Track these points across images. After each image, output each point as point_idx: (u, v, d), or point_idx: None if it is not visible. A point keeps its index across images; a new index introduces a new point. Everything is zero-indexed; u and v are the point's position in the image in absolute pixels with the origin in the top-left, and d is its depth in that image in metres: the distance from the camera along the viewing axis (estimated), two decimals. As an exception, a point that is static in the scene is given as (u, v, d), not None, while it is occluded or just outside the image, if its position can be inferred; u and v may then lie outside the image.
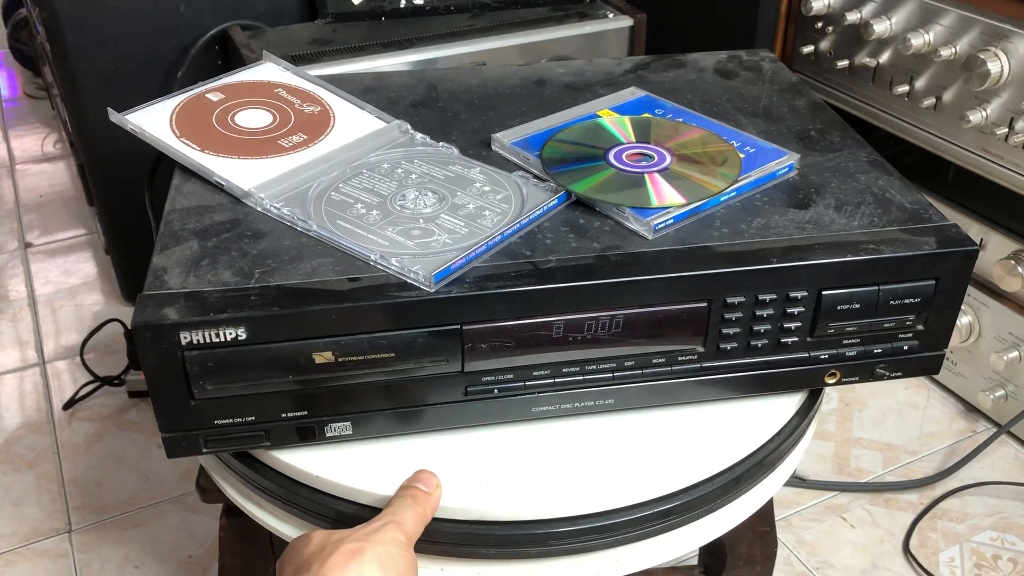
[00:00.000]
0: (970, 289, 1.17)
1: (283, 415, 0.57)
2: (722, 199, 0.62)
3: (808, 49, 1.30)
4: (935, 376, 1.26)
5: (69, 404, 1.24)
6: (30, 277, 1.51)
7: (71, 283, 1.50)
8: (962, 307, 1.18)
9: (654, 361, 0.60)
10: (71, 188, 1.77)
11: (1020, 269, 1.09)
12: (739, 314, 0.59)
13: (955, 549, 1.05)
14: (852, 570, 1.03)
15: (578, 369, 0.59)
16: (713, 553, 0.79)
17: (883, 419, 1.23)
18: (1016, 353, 1.14)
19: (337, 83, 0.76)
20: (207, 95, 0.71)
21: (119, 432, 1.20)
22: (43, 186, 1.79)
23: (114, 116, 0.67)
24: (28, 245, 1.60)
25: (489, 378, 0.58)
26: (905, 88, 1.17)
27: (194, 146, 0.65)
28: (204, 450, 0.57)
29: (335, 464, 0.58)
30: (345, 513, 0.58)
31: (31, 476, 1.14)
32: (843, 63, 1.25)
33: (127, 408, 1.24)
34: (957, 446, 1.18)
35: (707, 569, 0.82)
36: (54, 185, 1.79)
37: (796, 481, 1.13)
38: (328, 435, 0.58)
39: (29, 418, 1.23)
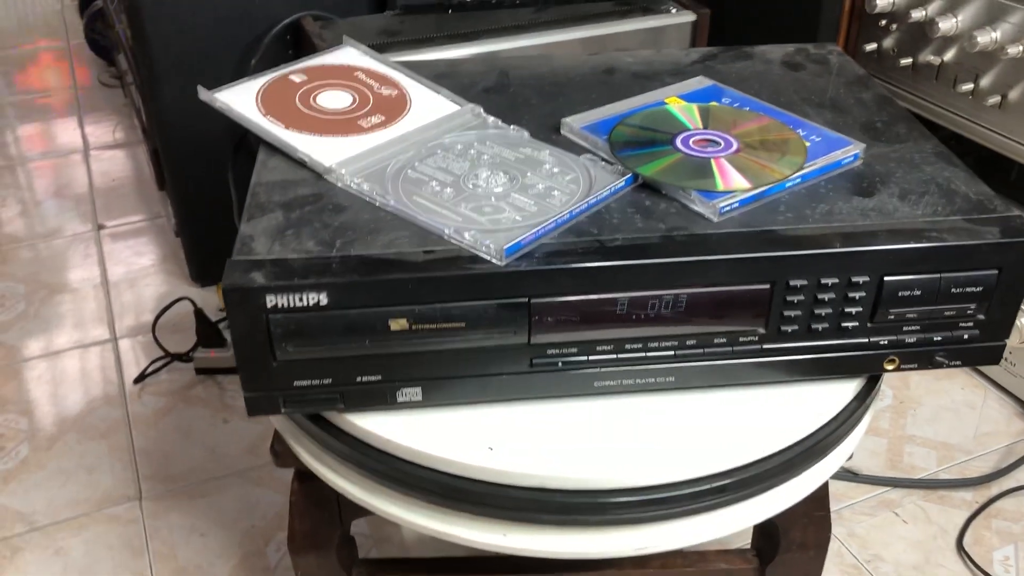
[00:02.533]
0: (1032, 290, 1.16)
1: (358, 379, 0.59)
2: (787, 185, 0.64)
3: (871, 47, 1.30)
4: (993, 376, 1.26)
5: (140, 379, 1.29)
6: (103, 257, 1.57)
7: (142, 264, 1.55)
8: (1021, 307, 1.18)
9: (715, 341, 0.62)
10: (141, 173, 1.83)
11: (1084, 270, 1.08)
12: (801, 297, 0.60)
13: (1009, 548, 1.04)
14: (904, 565, 1.03)
15: (640, 346, 0.61)
16: (767, 536, 0.81)
17: (938, 418, 1.22)
18: (1077, 355, 1.13)
19: (412, 69, 0.79)
20: (291, 76, 0.74)
21: (186, 407, 1.25)
22: (115, 171, 1.85)
23: (204, 94, 0.70)
24: (101, 227, 1.66)
25: (554, 351, 0.60)
26: (970, 86, 1.17)
27: (279, 123, 0.69)
28: (283, 409, 0.60)
29: (405, 429, 0.61)
30: (412, 475, 0.61)
31: (104, 445, 1.19)
32: (906, 61, 1.25)
33: (194, 384, 1.29)
34: (1014, 446, 1.18)
35: (760, 553, 0.83)
36: (125, 170, 1.85)
37: (849, 475, 1.13)
38: (399, 400, 0.61)
39: (102, 391, 1.28)
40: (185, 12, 1.21)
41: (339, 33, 1.23)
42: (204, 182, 1.34)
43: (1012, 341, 1.20)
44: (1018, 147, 1.14)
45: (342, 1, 1.29)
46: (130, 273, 1.53)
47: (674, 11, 1.28)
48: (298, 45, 1.29)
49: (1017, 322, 1.17)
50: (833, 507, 1.09)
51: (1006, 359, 1.24)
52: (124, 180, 1.82)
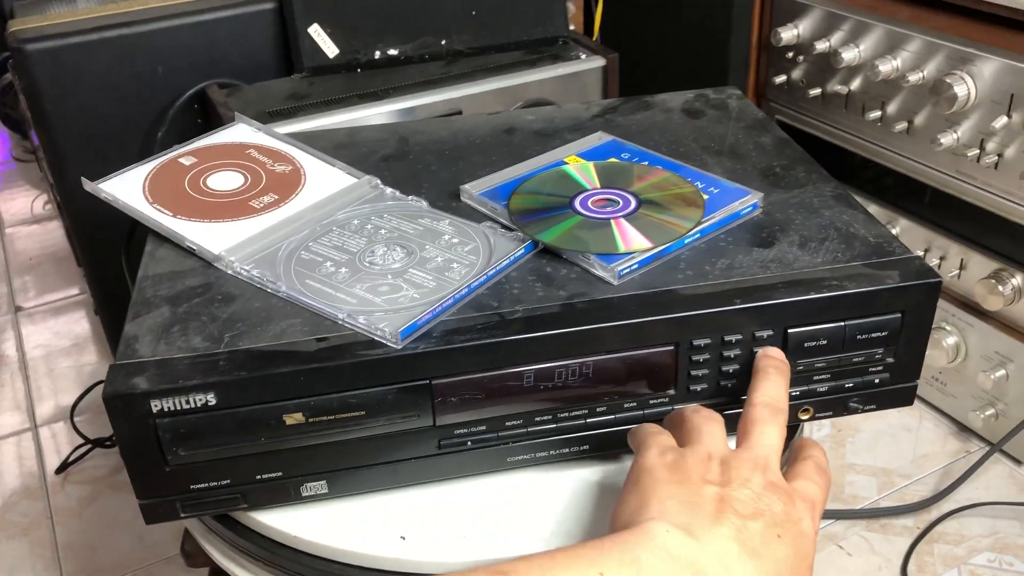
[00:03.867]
0: (955, 309, 1.18)
1: (258, 477, 0.57)
2: (687, 241, 0.63)
3: (781, 79, 1.32)
4: (926, 397, 1.26)
5: (61, 468, 1.24)
6: (21, 341, 1.52)
7: (62, 345, 1.50)
8: (948, 328, 1.19)
9: (626, 406, 0.61)
10: (62, 249, 1.78)
11: (1001, 288, 1.09)
12: (707, 356, 0.59)
13: (953, 572, 1.04)
14: (850, 599, 1.02)
15: (551, 417, 0.60)
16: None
17: (876, 443, 1.23)
18: (1003, 371, 1.14)
19: (310, 139, 0.77)
20: (180, 159, 0.72)
21: (112, 494, 1.20)
22: (33, 248, 1.80)
23: (88, 186, 0.68)
24: (19, 308, 1.61)
25: (462, 431, 0.59)
26: (878, 113, 1.19)
27: (166, 211, 0.66)
28: (181, 515, 0.58)
29: (314, 523, 0.59)
30: (326, 571, 0.58)
31: (25, 543, 1.14)
32: (815, 91, 1.27)
33: (120, 469, 1.24)
34: (951, 467, 1.18)
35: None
36: (45, 247, 1.80)
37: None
38: (304, 495, 0.58)
39: (23, 483, 1.23)
40: (85, 89, 1.19)
41: (246, 100, 1.21)
42: (119, 260, 1.30)
43: (940, 362, 1.21)
44: (928, 171, 1.15)
45: (248, 67, 1.27)
46: (50, 356, 1.48)
47: (583, 56, 1.28)
48: (206, 115, 1.27)
49: (944, 343, 1.18)
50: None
51: (937, 379, 1.25)
52: (43, 258, 1.77)
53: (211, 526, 0.63)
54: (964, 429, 1.23)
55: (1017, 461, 1.18)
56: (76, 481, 1.23)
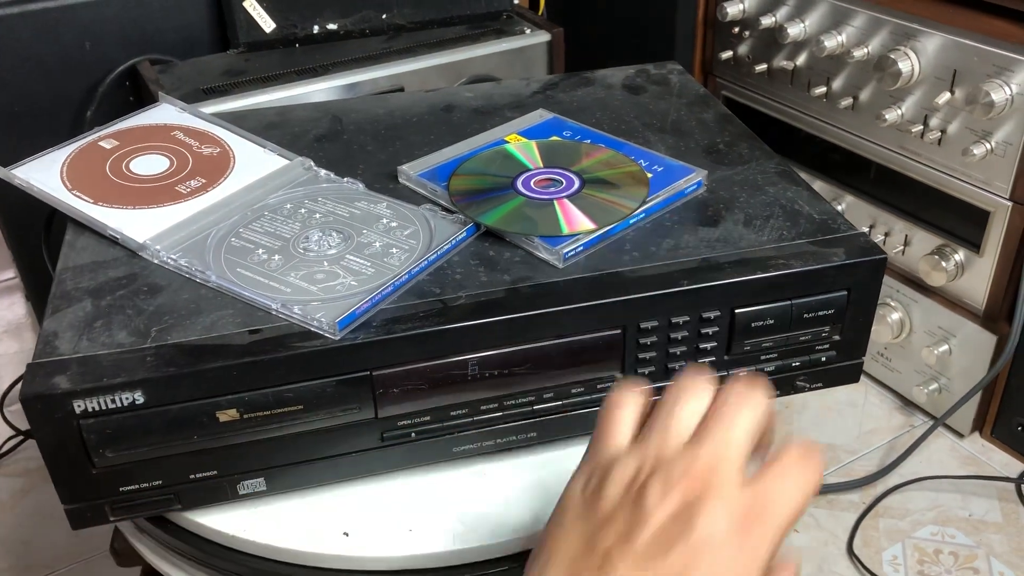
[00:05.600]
0: (899, 285, 1.18)
1: (192, 476, 0.55)
2: (632, 221, 0.62)
3: (727, 54, 1.31)
4: (872, 372, 1.27)
5: (-7, 461, 1.20)
6: (-51, 329, 1.46)
7: (-7, 332, 1.45)
8: (892, 304, 1.20)
9: (573, 391, 0.59)
10: (-9, 233, 1.71)
11: (944, 264, 1.10)
12: (654, 338, 0.58)
13: (898, 547, 1.05)
14: None
15: (496, 405, 0.58)
16: None
17: (823, 419, 1.23)
18: (946, 346, 1.15)
19: (239, 119, 0.74)
20: (100, 143, 0.69)
21: (46, 486, 1.16)
22: (-39, 233, 1.73)
23: (1, 172, 0.64)
24: (-53, 295, 1.55)
25: (405, 422, 0.57)
26: (823, 89, 1.18)
27: (87, 198, 0.63)
28: (111, 518, 0.55)
29: (251, 522, 0.56)
30: (264, 571, 0.56)
31: (-45, 540, 1.10)
32: (761, 67, 1.26)
33: (55, 461, 1.20)
34: (896, 442, 1.19)
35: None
36: (-27, 231, 1.73)
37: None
38: (242, 493, 0.56)
39: (-48, 478, 1.19)
40: (7, 65, 1.13)
41: (179, 76, 1.16)
42: (53, 245, 1.26)
43: (885, 338, 1.22)
44: (872, 147, 1.15)
45: (181, 42, 1.22)
46: (-20, 344, 1.43)
47: (528, 31, 1.25)
48: (138, 92, 1.22)
49: (889, 318, 1.19)
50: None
51: (882, 355, 1.26)
52: (-28, 242, 1.70)
53: (142, 525, 0.60)
54: (908, 404, 1.25)
55: (959, 435, 1.20)
56: (8, 474, 1.18)
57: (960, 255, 1.10)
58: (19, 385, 1.26)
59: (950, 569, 1.02)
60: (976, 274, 1.09)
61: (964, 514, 1.09)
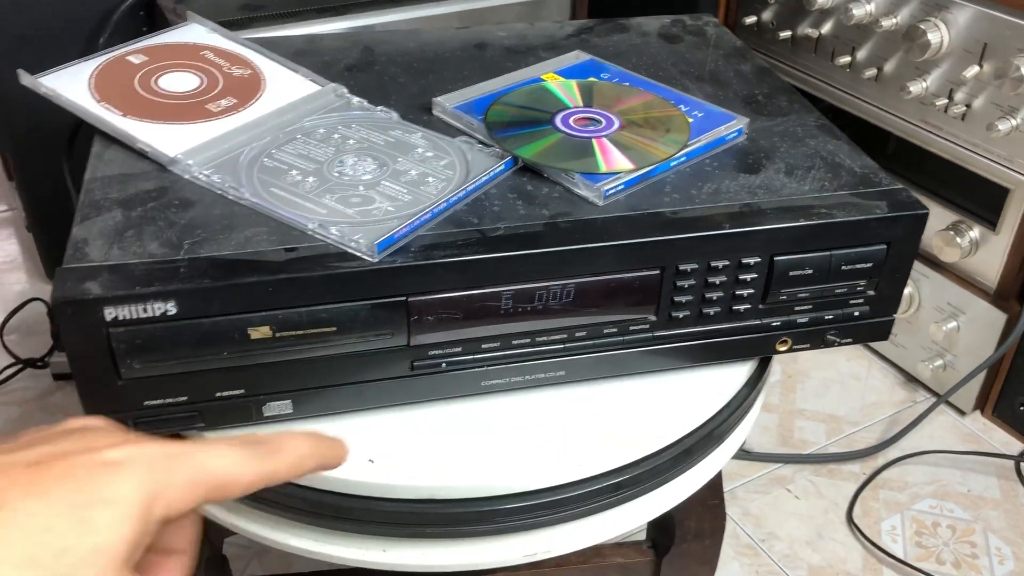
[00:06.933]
0: (909, 259, 1.18)
1: (218, 394, 0.54)
2: (672, 164, 0.61)
3: (751, 20, 1.30)
4: (876, 347, 1.27)
5: (-11, 389, 1.18)
6: (-54, 257, 1.44)
7: (-10, 263, 1.43)
8: (901, 277, 1.19)
9: (606, 331, 0.58)
10: (-11, 164, 1.69)
11: (959, 240, 1.10)
12: (691, 281, 0.57)
13: (896, 518, 1.06)
14: (797, 541, 1.03)
15: (528, 341, 0.57)
16: (661, 528, 0.78)
17: (826, 390, 1.24)
18: (954, 323, 1.15)
19: (267, 46, 0.72)
20: (128, 57, 0.67)
21: (44, 416, 1.15)
22: (-42, 162, 1.70)
23: (26, 79, 0.62)
24: (-57, 224, 1.52)
25: (436, 352, 0.56)
26: (847, 59, 1.17)
27: (115, 111, 0.61)
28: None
29: (273, 444, 0.56)
30: (284, 494, 0.55)
31: (-50, 465, 1.08)
32: (785, 34, 1.24)
33: (52, 391, 1.19)
34: (898, 416, 1.20)
35: (655, 544, 0.81)
36: (-30, 161, 1.70)
37: (741, 453, 1.13)
38: (267, 415, 0.55)
39: (-53, 405, 1.17)
40: (20, -13, 1.11)
41: (196, 7, 1.14)
42: (54, 173, 1.23)
43: (893, 310, 1.22)
44: (894, 119, 1.15)
45: (198, -27, 1.20)
46: (-24, 274, 1.41)
47: (551, -16, 1.24)
48: (152, 21, 1.20)
49: (897, 291, 1.19)
50: (727, 486, 1.08)
51: (887, 327, 1.25)
52: (-31, 172, 1.67)
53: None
54: (911, 379, 1.25)
55: (961, 412, 1.20)
56: (5, 403, 1.17)
57: (975, 232, 1.09)
58: (19, 314, 1.25)
59: (947, 542, 1.03)
60: (990, 251, 1.09)
61: (963, 489, 1.09)
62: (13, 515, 0.28)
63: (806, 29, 1.21)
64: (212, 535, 0.70)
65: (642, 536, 0.83)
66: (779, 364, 1.27)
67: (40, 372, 1.21)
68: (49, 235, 1.34)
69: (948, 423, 1.19)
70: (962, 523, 1.05)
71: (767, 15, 1.27)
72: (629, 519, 0.61)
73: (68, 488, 0.30)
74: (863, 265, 0.59)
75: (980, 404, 1.20)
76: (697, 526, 0.75)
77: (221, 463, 0.34)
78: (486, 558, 0.58)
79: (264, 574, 0.97)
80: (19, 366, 1.20)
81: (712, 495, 0.75)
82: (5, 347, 1.22)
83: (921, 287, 1.18)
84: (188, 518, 0.35)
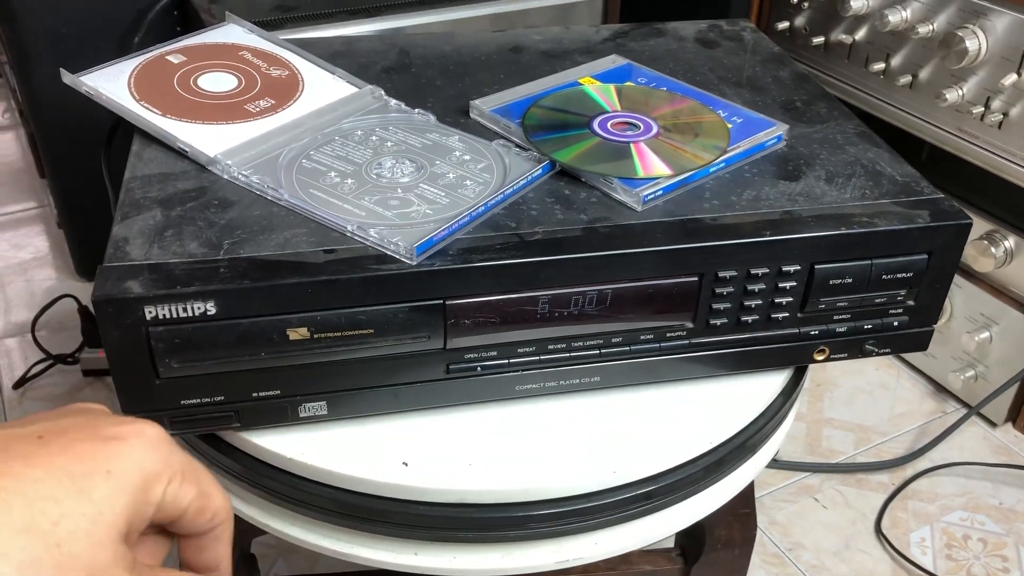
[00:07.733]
0: (941, 268, 1.17)
1: (254, 394, 0.54)
2: (711, 170, 0.60)
3: (783, 25, 1.29)
4: (905, 356, 1.26)
5: (20, 383, 1.19)
6: (-23, 253, 1.45)
7: (21, 258, 1.44)
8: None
9: (642, 337, 0.58)
10: (21, 160, 1.70)
11: (993, 249, 1.08)
12: (730, 289, 0.57)
13: (926, 529, 1.05)
14: (824, 551, 1.02)
15: (564, 346, 0.57)
16: (691, 536, 0.78)
17: (854, 399, 1.22)
18: (987, 334, 1.14)
19: (304, 47, 0.72)
20: (167, 57, 0.67)
21: (73, 413, 1.16)
22: (-9, 158, 1.72)
23: (67, 78, 0.63)
24: (-26, 220, 1.54)
25: (472, 355, 0.56)
26: (881, 65, 1.16)
27: (155, 110, 0.62)
28: (170, 432, 0.54)
29: (309, 446, 0.56)
30: (317, 495, 0.55)
31: (-20, 459, 1.09)
32: (819, 40, 1.24)
33: (81, 387, 1.20)
34: (927, 427, 1.18)
35: (684, 552, 0.80)
36: (4, 156, 1.72)
37: (770, 461, 1.12)
38: (302, 415, 0.55)
39: (-22, 399, 1.18)
40: (57, -14, 1.12)
41: (230, 7, 1.14)
42: (86, 169, 1.25)
43: (924, 320, 1.20)
44: (928, 127, 1.13)
45: (232, -26, 1.20)
46: (9, 268, 1.42)
47: (583, -13, 1.23)
48: (186, 21, 1.20)
49: (928, 300, 1.17)
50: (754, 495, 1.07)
51: (917, 337, 1.24)
52: (2, 167, 1.69)
53: (191, 443, 0.59)
54: (941, 390, 1.23)
55: (992, 424, 1.19)
56: (35, 398, 1.18)
57: (1010, 241, 1.08)
58: (49, 311, 1.26)
59: (978, 555, 1.02)
60: (1025, 262, 1.07)
61: (994, 502, 1.08)
62: (15, 482, 0.29)
63: (839, 35, 1.20)
64: (241, 534, 0.70)
65: (671, 543, 0.83)
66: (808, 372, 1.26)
67: (70, 368, 1.22)
68: (80, 232, 1.35)
69: (979, 435, 1.18)
70: (993, 536, 1.04)
71: (800, 20, 1.27)
72: (660, 528, 0.60)
73: (69, 459, 0.30)
74: (904, 275, 0.59)
75: (1012, 416, 1.18)
76: (727, 535, 0.75)
77: (207, 474, 0.35)
78: (517, 563, 0.57)
79: (289, 574, 0.97)
80: (49, 362, 1.21)
81: (743, 504, 0.74)
82: (36, 343, 1.23)
83: (954, 297, 1.17)
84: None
